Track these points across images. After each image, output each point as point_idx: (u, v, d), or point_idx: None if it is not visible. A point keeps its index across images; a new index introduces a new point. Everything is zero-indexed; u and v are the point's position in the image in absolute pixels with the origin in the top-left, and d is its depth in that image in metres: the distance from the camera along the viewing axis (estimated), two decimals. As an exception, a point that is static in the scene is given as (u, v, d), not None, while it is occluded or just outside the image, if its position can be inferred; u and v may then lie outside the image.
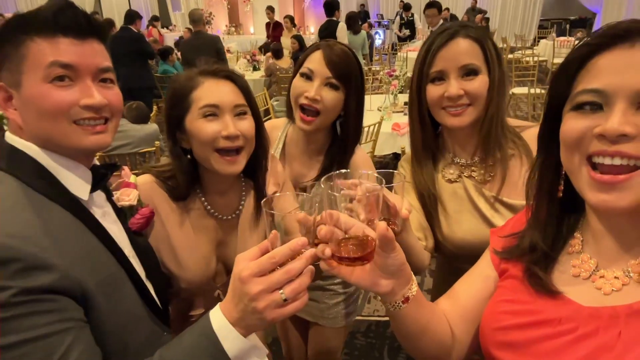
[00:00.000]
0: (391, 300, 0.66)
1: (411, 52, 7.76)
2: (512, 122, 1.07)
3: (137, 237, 0.89)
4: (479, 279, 0.78)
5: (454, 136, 1.06)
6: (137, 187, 0.95)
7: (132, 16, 5.32)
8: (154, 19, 9.92)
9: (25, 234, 0.60)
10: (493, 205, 1.01)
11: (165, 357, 0.63)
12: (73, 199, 0.70)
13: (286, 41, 6.79)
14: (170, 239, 1.00)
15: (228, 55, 6.47)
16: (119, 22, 6.45)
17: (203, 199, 1.03)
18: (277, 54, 5.76)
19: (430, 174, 1.06)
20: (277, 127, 1.34)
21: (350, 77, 1.14)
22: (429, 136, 1.06)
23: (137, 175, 1.01)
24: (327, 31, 5.28)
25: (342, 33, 5.38)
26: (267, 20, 8.74)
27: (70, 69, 0.68)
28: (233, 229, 1.06)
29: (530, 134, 1.03)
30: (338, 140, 1.24)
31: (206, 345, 0.61)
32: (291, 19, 7.56)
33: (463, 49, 0.96)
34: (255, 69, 6.72)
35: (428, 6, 5.55)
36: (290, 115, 1.23)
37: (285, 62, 6.00)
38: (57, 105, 0.67)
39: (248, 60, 7.00)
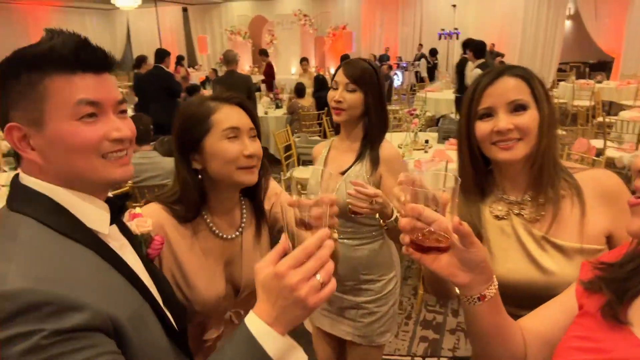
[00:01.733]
0: (467, 294, 0.70)
1: (430, 92, 7.87)
2: (565, 164, 1.07)
3: (153, 266, 0.89)
4: (559, 308, 0.77)
5: (504, 172, 1.06)
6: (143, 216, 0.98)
7: (162, 55, 5.58)
8: (181, 58, 10.38)
9: (52, 276, 0.60)
10: (541, 245, 0.99)
11: None
12: (92, 235, 0.70)
13: (305, 81, 7.03)
14: (181, 264, 1.04)
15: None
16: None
17: (208, 220, 1.08)
18: (300, 92, 5.92)
19: (477, 209, 1.06)
20: (323, 145, 1.70)
21: (364, 80, 1.47)
22: (479, 173, 1.07)
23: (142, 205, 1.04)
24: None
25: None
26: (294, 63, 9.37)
27: (96, 105, 0.69)
28: (236, 247, 1.13)
29: (584, 176, 1.02)
30: (368, 132, 1.54)
31: (248, 350, 0.62)
32: (306, 59, 8.80)
33: (510, 86, 0.99)
34: (277, 106, 6.90)
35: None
36: (337, 131, 1.62)
37: (307, 100, 6.16)
38: (88, 141, 0.68)
39: (271, 98, 7.21)
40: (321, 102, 6.03)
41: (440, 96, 7.53)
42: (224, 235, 1.10)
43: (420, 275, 2.93)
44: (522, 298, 0.81)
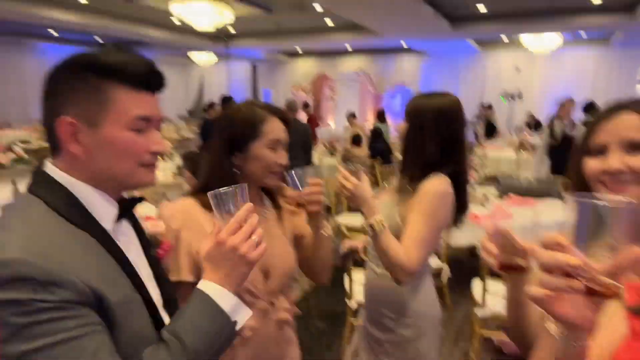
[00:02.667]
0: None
1: (491, 149, 7.64)
2: None
3: (159, 268, 0.91)
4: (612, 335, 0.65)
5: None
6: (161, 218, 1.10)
7: (227, 100, 5.94)
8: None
9: (46, 252, 0.65)
10: None
11: (175, 329, 0.72)
12: (99, 227, 0.75)
13: (349, 134, 7.20)
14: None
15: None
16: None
17: None
18: (357, 141, 5.96)
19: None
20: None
21: (411, 114, 1.44)
22: None
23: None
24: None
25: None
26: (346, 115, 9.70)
27: (147, 121, 0.77)
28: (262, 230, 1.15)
29: None
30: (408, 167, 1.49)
31: (205, 308, 0.73)
32: (353, 114, 9.40)
33: (630, 123, 0.87)
34: (331, 154, 7.02)
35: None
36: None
37: (362, 150, 6.18)
38: (134, 151, 0.75)
39: (325, 146, 7.36)
40: (375, 152, 6.04)
41: (501, 155, 7.29)
42: None
43: (471, 338, 2.66)
44: None
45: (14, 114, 11.88)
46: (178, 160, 5.28)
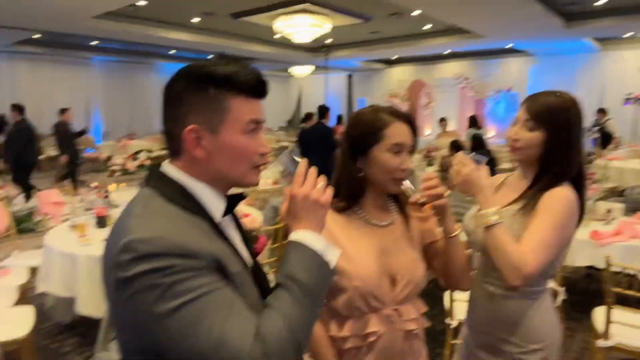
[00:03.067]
0: None
1: (614, 160, 6.84)
2: None
3: (257, 261, 0.97)
4: None
5: None
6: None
7: (323, 111, 6.08)
8: (340, 117, 11.16)
9: (177, 232, 0.73)
10: None
11: (284, 273, 0.79)
12: (210, 218, 0.83)
13: (442, 140, 6.84)
14: (336, 241, 1.13)
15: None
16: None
17: (361, 211, 1.21)
18: (457, 149, 5.70)
19: None
20: (498, 177, 1.52)
21: (547, 118, 1.27)
22: None
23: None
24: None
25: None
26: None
27: (257, 123, 0.85)
28: (389, 237, 1.21)
29: None
30: (540, 176, 1.33)
31: (299, 252, 0.81)
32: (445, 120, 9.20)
33: None
34: (429, 164, 6.78)
35: None
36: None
37: (462, 159, 5.88)
38: (248, 153, 0.84)
39: (424, 155, 7.13)
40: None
41: (625, 165, 6.45)
42: (377, 223, 1.21)
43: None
44: None
45: (139, 127, 13.47)
46: (279, 167, 5.52)
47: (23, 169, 6.36)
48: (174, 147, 0.84)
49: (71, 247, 2.70)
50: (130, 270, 0.70)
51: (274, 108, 17.67)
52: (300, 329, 0.74)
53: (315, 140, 5.70)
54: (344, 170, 1.19)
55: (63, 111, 7.61)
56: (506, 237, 1.19)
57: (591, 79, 11.33)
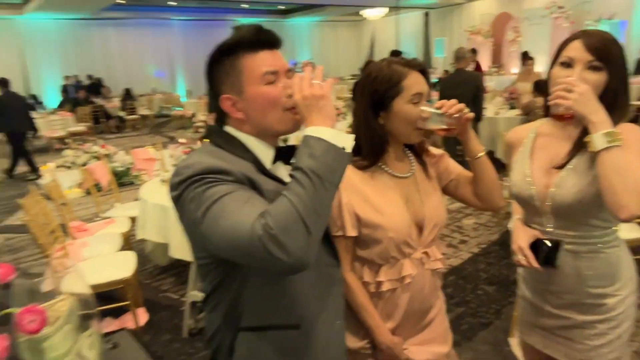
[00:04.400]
0: None
1: None
2: None
3: None
4: None
5: None
6: None
7: (395, 54, 5.82)
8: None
9: (214, 160, 0.87)
10: None
11: (296, 164, 0.82)
12: (260, 163, 0.96)
13: (525, 83, 6.19)
14: (369, 200, 1.19)
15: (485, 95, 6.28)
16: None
17: (383, 166, 1.24)
18: (541, 89, 5.21)
19: None
20: (524, 128, 1.41)
21: (611, 57, 1.16)
22: None
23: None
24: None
25: None
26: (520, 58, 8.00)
27: (275, 74, 0.94)
28: (412, 186, 1.26)
29: None
30: None
31: (308, 143, 0.83)
32: (526, 54, 7.54)
33: None
34: (512, 107, 6.30)
35: None
36: (545, 114, 1.32)
37: (550, 100, 5.37)
38: (274, 99, 0.93)
39: (505, 98, 6.62)
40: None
41: None
42: (399, 175, 1.25)
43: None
44: None
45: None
46: (350, 119, 5.49)
47: (15, 137, 7.20)
48: (220, 113, 1.00)
49: (162, 199, 2.98)
50: (177, 190, 0.86)
51: (347, 55, 17.29)
52: (305, 208, 0.76)
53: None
54: (366, 128, 1.19)
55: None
56: (628, 158, 1.05)
57: None
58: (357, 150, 1.15)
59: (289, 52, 16.09)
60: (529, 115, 5.28)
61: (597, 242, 1.24)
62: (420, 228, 1.24)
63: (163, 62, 14.53)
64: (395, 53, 5.97)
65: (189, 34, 14.43)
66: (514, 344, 2.44)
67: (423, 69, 1.19)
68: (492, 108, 6.26)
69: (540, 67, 9.02)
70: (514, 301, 2.65)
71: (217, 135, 0.98)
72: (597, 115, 1.08)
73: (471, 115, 1.14)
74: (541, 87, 5.29)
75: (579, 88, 1.08)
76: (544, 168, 1.28)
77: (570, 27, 11.43)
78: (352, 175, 1.20)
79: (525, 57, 7.48)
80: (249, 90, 0.93)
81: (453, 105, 1.11)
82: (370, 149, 1.21)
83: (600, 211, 1.20)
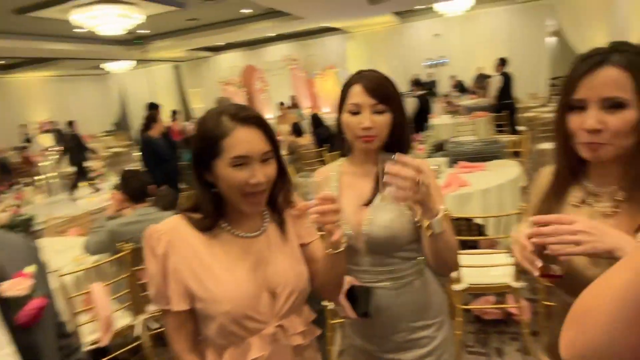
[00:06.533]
0: None
1: (431, 119, 7.82)
2: None
3: (24, 333, 0.80)
4: None
5: (594, 164, 0.98)
6: (32, 276, 0.84)
7: (153, 107, 5.51)
8: (175, 112, 10.43)
9: None
10: None
11: None
12: None
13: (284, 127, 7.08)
14: (201, 263, 1.01)
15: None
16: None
17: (227, 226, 1.06)
18: (298, 132, 5.80)
19: (562, 194, 1.03)
20: (328, 169, 1.41)
21: (391, 97, 1.23)
22: (572, 161, 1.00)
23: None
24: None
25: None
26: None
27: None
28: (262, 245, 1.08)
29: None
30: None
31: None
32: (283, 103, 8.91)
33: (609, 79, 0.87)
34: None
35: None
36: (344, 153, 1.38)
37: (306, 139, 6.04)
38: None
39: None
40: (320, 139, 5.93)
41: (439, 122, 7.47)
42: (245, 235, 1.07)
43: (453, 315, 2.65)
44: (575, 284, 0.74)
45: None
46: (115, 180, 4.86)
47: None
48: None
49: None
50: None
51: (95, 111, 15.68)
52: None
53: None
54: (197, 185, 1.05)
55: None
56: (452, 231, 1.14)
57: (397, 49, 12.76)
58: (196, 207, 1.05)
59: (19, 111, 13.54)
60: (293, 154, 5.78)
61: (409, 275, 1.27)
62: (273, 296, 1.04)
63: None
64: (152, 106, 5.66)
65: None
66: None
67: (257, 121, 1.00)
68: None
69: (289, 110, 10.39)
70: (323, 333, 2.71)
71: None
72: (436, 197, 1.07)
73: (339, 235, 1.00)
74: (298, 128, 5.88)
75: (431, 180, 1.07)
76: (354, 206, 1.27)
77: (305, 75, 13.35)
78: (188, 238, 1.03)
79: (282, 104, 8.55)
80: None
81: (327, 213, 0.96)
82: (205, 209, 1.04)
83: (408, 242, 1.24)
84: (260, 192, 1.00)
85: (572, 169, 1.01)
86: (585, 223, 0.82)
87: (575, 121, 0.92)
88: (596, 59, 0.88)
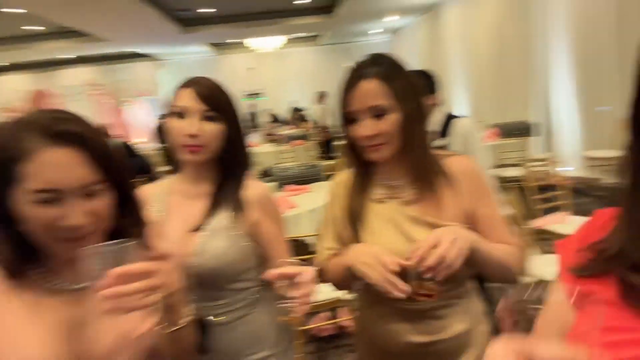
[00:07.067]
0: None
1: (254, 146, 7.96)
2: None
3: None
4: (550, 308, 0.63)
5: (383, 163, 1.09)
6: None
7: None
8: None
9: None
10: (414, 222, 1.05)
11: None
12: None
13: None
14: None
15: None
16: None
17: (43, 275, 0.77)
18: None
19: (362, 195, 1.12)
20: (154, 187, 1.22)
21: (225, 105, 1.13)
22: (362, 164, 1.11)
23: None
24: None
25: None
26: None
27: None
28: (89, 303, 0.77)
29: (452, 162, 1.09)
30: (227, 172, 1.17)
31: None
32: None
33: (368, 91, 0.99)
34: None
35: None
36: (171, 170, 1.22)
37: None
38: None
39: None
40: (136, 168, 5.43)
41: (261, 150, 7.69)
42: (68, 286, 0.78)
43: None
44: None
45: None
46: None
47: None
48: None
49: None
50: None
51: None
52: None
53: None
54: None
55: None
56: None
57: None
58: None
59: None
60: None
61: (244, 307, 1.15)
62: None
63: None
64: None
65: None
66: None
67: (82, 140, 0.71)
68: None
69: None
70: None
71: None
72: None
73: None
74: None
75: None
76: (181, 232, 1.10)
77: (113, 102, 12.18)
78: None
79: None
80: None
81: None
82: (3, 253, 0.73)
83: (244, 272, 1.14)
84: (82, 238, 0.73)
85: (365, 169, 1.12)
86: (445, 237, 0.88)
87: (354, 131, 1.03)
88: (356, 73, 1.02)
